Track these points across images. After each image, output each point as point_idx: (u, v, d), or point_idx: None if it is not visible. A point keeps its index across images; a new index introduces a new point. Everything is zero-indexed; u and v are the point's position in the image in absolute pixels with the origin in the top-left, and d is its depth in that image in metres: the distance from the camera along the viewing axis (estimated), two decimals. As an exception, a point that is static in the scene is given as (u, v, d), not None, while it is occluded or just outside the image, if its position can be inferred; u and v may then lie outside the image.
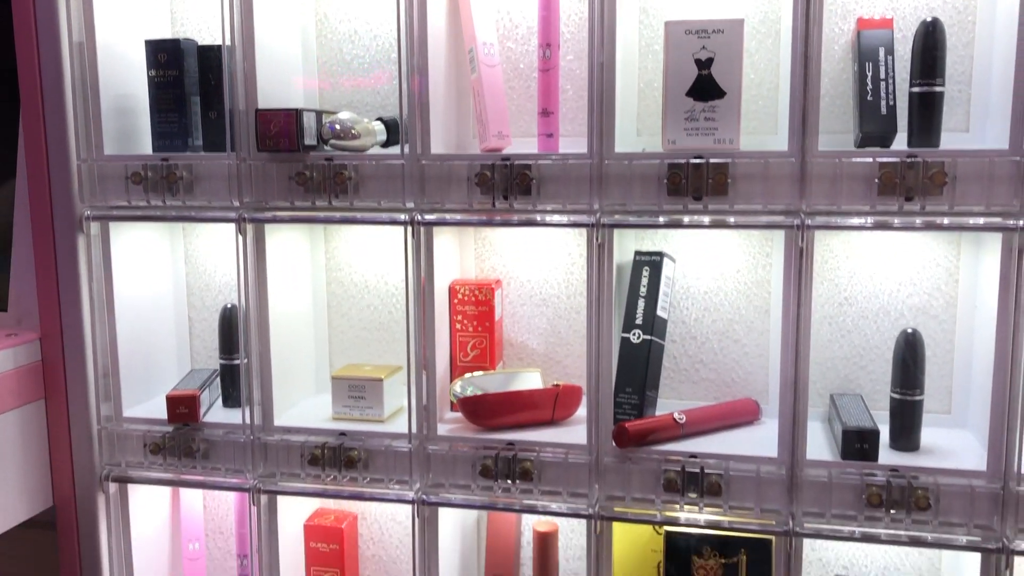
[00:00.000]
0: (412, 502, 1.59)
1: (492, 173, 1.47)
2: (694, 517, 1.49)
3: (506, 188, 1.47)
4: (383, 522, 1.90)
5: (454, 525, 1.75)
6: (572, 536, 1.81)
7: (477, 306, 1.69)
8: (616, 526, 1.65)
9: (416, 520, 1.59)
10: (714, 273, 1.69)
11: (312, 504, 1.86)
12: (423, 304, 1.57)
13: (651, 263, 1.62)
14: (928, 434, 1.51)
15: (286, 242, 1.72)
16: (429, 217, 1.52)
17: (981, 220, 1.33)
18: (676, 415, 1.55)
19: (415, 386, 1.59)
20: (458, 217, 1.51)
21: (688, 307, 1.70)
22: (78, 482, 1.72)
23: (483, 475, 1.55)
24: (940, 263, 1.59)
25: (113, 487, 1.72)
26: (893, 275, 1.61)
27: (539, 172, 1.46)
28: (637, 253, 1.63)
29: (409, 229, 1.52)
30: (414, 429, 1.58)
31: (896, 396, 1.49)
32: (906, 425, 1.49)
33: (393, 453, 1.59)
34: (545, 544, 1.70)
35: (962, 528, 1.39)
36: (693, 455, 1.49)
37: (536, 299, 1.77)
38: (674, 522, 1.51)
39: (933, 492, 1.39)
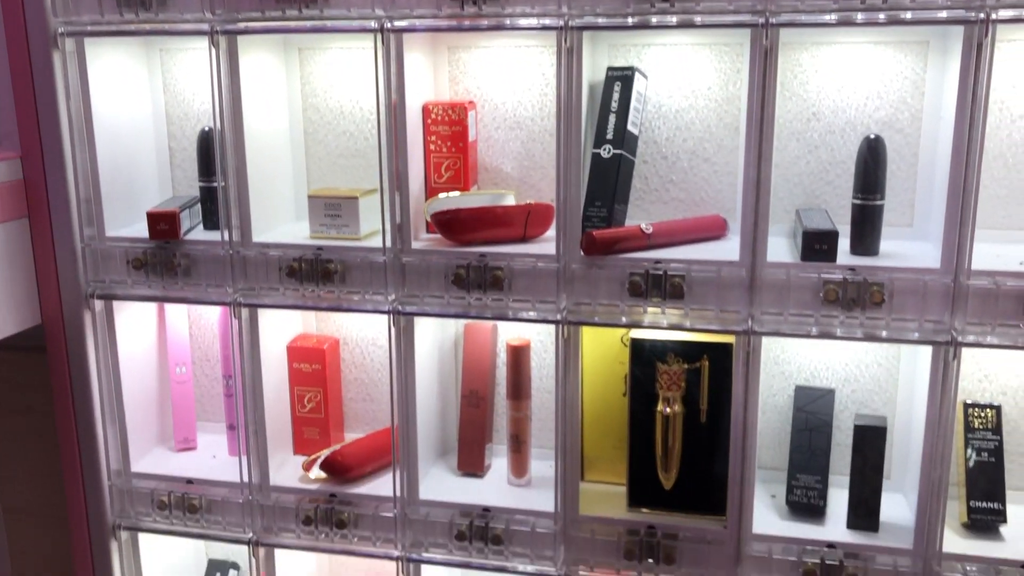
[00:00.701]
0: (388, 312, 1.64)
1: (461, -22, 1.47)
2: (657, 320, 1.55)
3: (475, -7, 1.48)
4: (364, 346, 1.96)
5: (431, 343, 1.81)
6: (545, 355, 1.87)
7: (451, 126, 1.71)
8: (585, 340, 1.72)
9: (392, 330, 1.65)
10: (686, 91, 1.70)
11: (294, 329, 1.92)
12: (395, 119, 1.58)
13: (622, 78, 1.63)
14: (888, 244, 1.56)
15: (261, 64, 1.72)
16: (400, 24, 1.53)
17: (944, 13, 1.34)
18: (643, 225, 1.59)
19: (388, 203, 1.62)
20: (428, 23, 1.52)
21: (660, 127, 1.72)
22: (64, 300, 1.77)
23: (456, 284, 1.60)
24: (907, 76, 1.60)
25: (99, 304, 1.78)
26: (860, 88, 1.63)
27: (508, -24, 1.46)
28: (609, 69, 1.64)
29: (379, 37, 1.53)
30: (389, 244, 1.63)
31: (857, 202, 1.52)
32: (866, 231, 1.53)
33: (369, 265, 1.64)
34: (518, 358, 1.77)
35: (914, 323, 1.45)
36: (658, 261, 1.53)
37: (510, 122, 1.78)
38: (638, 325, 1.57)
39: (887, 288, 1.44)
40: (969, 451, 1.60)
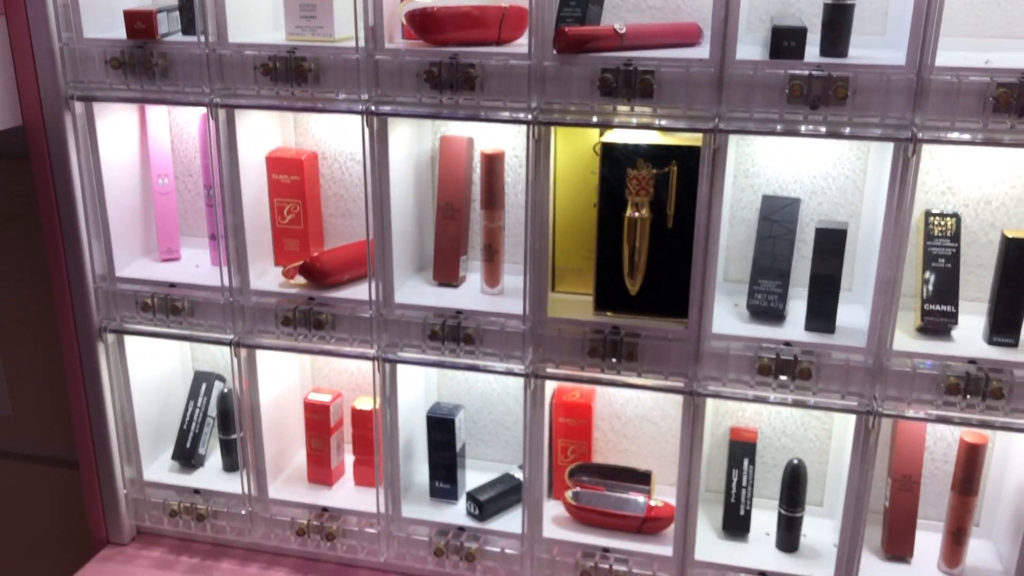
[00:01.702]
0: (362, 112, 1.66)
1: None
2: (627, 120, 1.57)
3: None
4: (343, 161, 1.99)
5: (407, 156, 1.83)
6: (520, 170, 1.90)
7: (427, -74, 1.69)
8: (559, 150, 1.74)
9: (366, 131, 1.67)
10: None
11: (273, 141, 1.94)
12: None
13: None
14: (859, 50, 1.56)
15: None
16: None
17: None
18: (617, 26, 1.59)
19: (362, 3, 1.62)
20: None
21: (637, -69, 1.71)
22: (44, 102, 1.78)
23: (428, 83, 1.61)
24: None
25: (79, 107, 1.79)
26: None
27: None
28: None
29: None
30: (362, 43, 1.63)
31: (828, 2, 1.52)
32: (836, 32, 1.53)
33: (343, 64, 1.65)
34: (491, 167, 1.79)
35: (876, 118, 1.47)
36: (628, 61, 1.54)
37: (488, -74, 1.77)
38: (608, 125, 1.59)
39: (852, 84, 1.45)
40: (927, 258, 1.65)
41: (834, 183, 1.76)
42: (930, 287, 1.64)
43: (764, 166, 1.79)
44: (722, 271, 1.86)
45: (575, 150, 1.75)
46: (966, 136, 1.45)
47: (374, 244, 1.75)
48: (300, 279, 1.87)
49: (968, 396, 1.55)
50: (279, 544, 2.00)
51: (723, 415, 1.95)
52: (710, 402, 1.88)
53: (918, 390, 1.58)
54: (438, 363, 1.79)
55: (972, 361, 1.56)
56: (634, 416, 2.01)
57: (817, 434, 1.92)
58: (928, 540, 1.81)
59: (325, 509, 1.97)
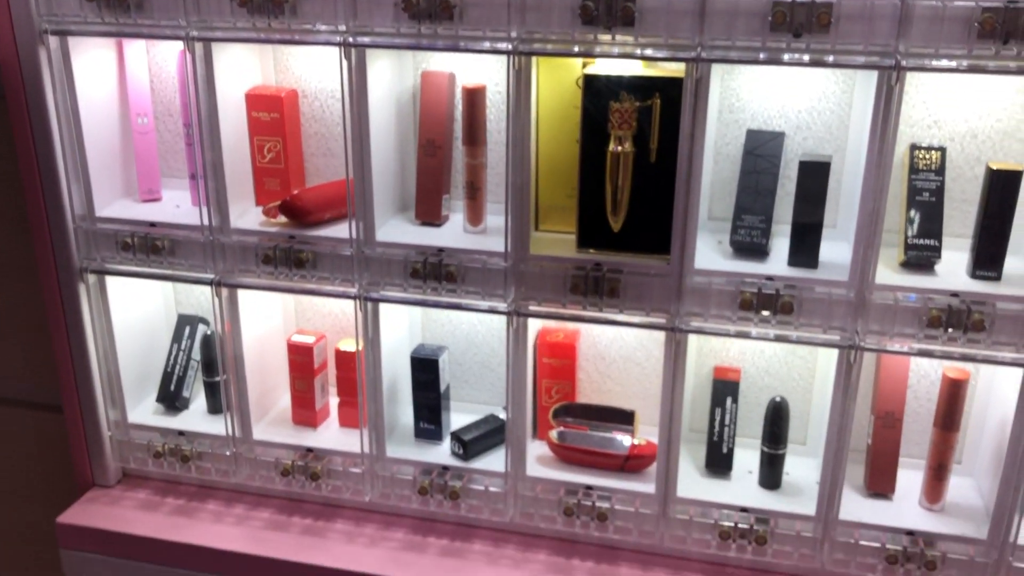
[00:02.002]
0: (340, 44, 1.63)
1: None
2: (608, 49, 1.55)
3: None
4: (323, 99, 1.96)
5: (388, 92, 1.81)
6: (503, 107, 1.87)
7: None
8: (541, 85, 1.72)
9: (344, 64, 1.65)
10: None
11: (253, 79, 1.91)
12: None
13: None
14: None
15: None
16: None
17: None
18: (598, -46, 1.57)
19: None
20: None
21: None
22: (18, 37, 1.74)
23: (407, 12, 1.58)
24: None
25: (54, 42, 1.76)
26: None
27: None
28: None
29: None
30: (341, -27, 1.60)
31: (814, -72, 1.50)
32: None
33: (320, -4, 1.63)
34: (473, 101, 1.77)
35: (859, 45, 1.45)
36: (610, -14, 1.52)
37: None
38: (589, 54, 1.57)
39: (835, 11, 1.42)
40: (911, 192, 1.64)
41: (820, 117, 1.74)
42: (914, 221, 1.63)
43: (749, 100, 1.76)
44: (707, 208, 1.85)
45: (558, 85, 1.73)
46: (951, 63, 1.43)
47: (354, 182, 1.74)
48: (281, 218, 1.85)
49: (950, 329, 1.55)
50: (264, 485, 2.00)
51: (707, 355, 1.95)
52: (694, 341, 1.89)
53: (900, 324, 1.57)
54: (420, 302, 1.78)
55: (955, 294, 1.56)
56: (618, 356, 2.01)
57: (801, 373, 1.91)
58: (910, 477, 1.82)
59: (310, 450, 1.97)
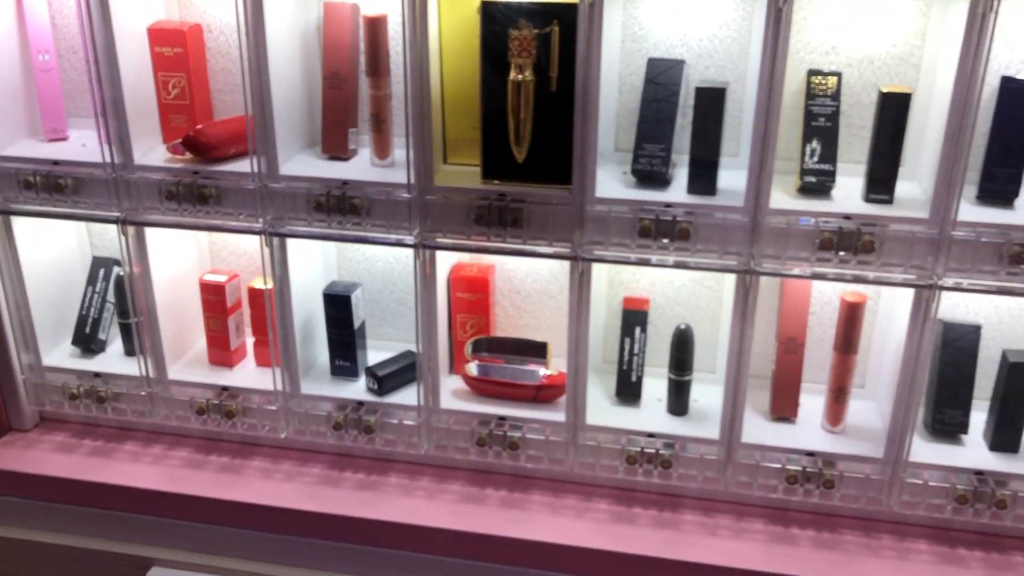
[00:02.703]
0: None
1: None
2: (501, -26, 1.54)
3: None
4: (229, 33, 1.93)
5: (292, 26, 1.78)
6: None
7: None
8: (443, 17, 1.70)
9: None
10: None
11: (155, 14, 1.87)
12: None
13: None
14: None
15: None
16: None
17: None
18: None
19: None
20: None
21: None
22: (-97, -31, 1.71)
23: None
24: None
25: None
26: None
27: None
28: None
29: None
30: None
31: None
32: None
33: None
34: (374, 30, 1.74)
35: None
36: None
37: None
38: (483, -20, 1.56)
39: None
40: (808, 118, 1.65)
41: (721, 45, 1.75)
42: (810, 147, 1.65)
43: (651, 29, 1.76)
44: (613, 140, 1.86)
45: (462, 15, 1.71)
46: (835, -15, 1.44)
47: (255, 117, 1.72)
48: (188, 155, 1.83)
49: (841, 252, 1.58)
50: (181, 424, 2.00)
51: (618, 286, 1.97)
52: (604, 273, 1.92)
53: (794, 248, 1.60)
54: (325, 235, 1.78)
55: (847, 217, 1.58)
56: (533, 290, 2.02)
57: (708, 302, 1.94)
58: (813, 401, 1.86)
59: (225, 388, 1.97)
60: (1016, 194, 1.61)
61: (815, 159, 1.65)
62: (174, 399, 1.98)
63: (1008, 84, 1.58)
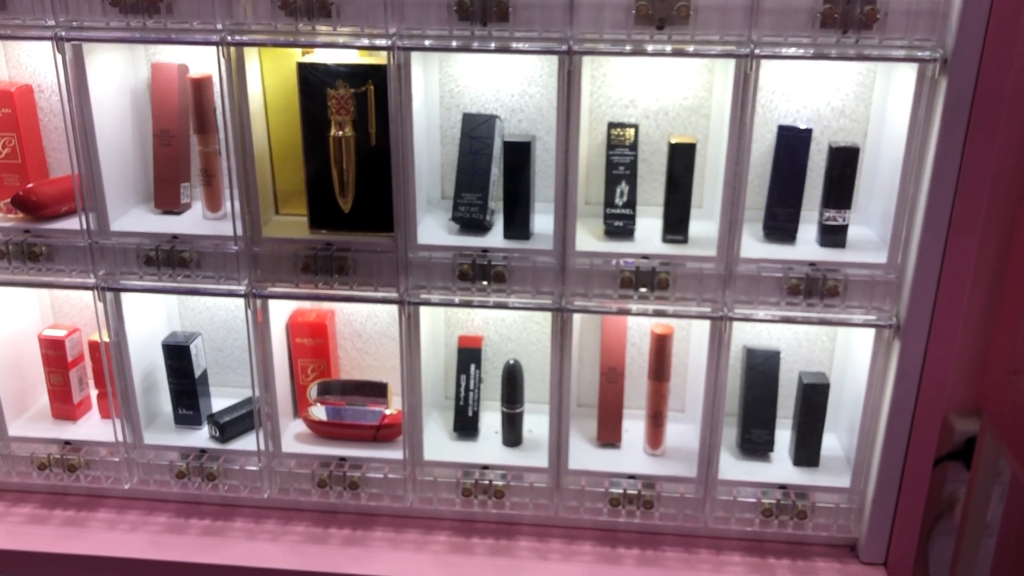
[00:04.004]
0: (52, 39, 1.65)
1: None
2: (310, 38, 1.63)
3: None
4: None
5: (122, 84, 1.83)
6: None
7: None
8: (266, 73, 1.78)
9: (58, 57, 1.66)
10: None
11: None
12: None
13: None
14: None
15: None
16: None
17: None
18: (300, -51, 1.64)
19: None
20: None
21: None
22: None
23: (114, 6, 1.61)
24: None
25: None
26: None
27: None
28: None
29: None
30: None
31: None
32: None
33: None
34: (199, 90, 1.81)
35: (535, 32, 1.58)
36: (310, -18, 1.60)
37: None
38: (292, 44, 1.65)
39: (512, 2, 1.55)
40: (609, 166, 1.78)
41: (531, 100, 1.88)
42: (612, 194, 1.78)
43: (466, 85, 1.88)
44: (440, 188, 1.96)
45: (285, 74, 1.79)
46: (615, 47, 1.57)
47: (83, 174, 1.76)
48: (20, 213, 1.85)
49: (642, 288, 1.71)
50: (24, 481, 2.00)
51: (454, 324, 2.06)
52: (441, 312, 2.01)
53: (599, 286, 1.73)
54: (156, 289, 1.82)
55: (645, 256, 1.72)
56: (374, 332, 2.10)
57: (538, 336, 2.06)
58: (637, 426, 1.99)
59: (67, 442, 1.98)
60: (796, 231, 1.77)
61: (617, 205, 1.78)
62: (15, 455, 1.97)
63: (784, 132, 1.75)
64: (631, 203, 1.78)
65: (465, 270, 1.74)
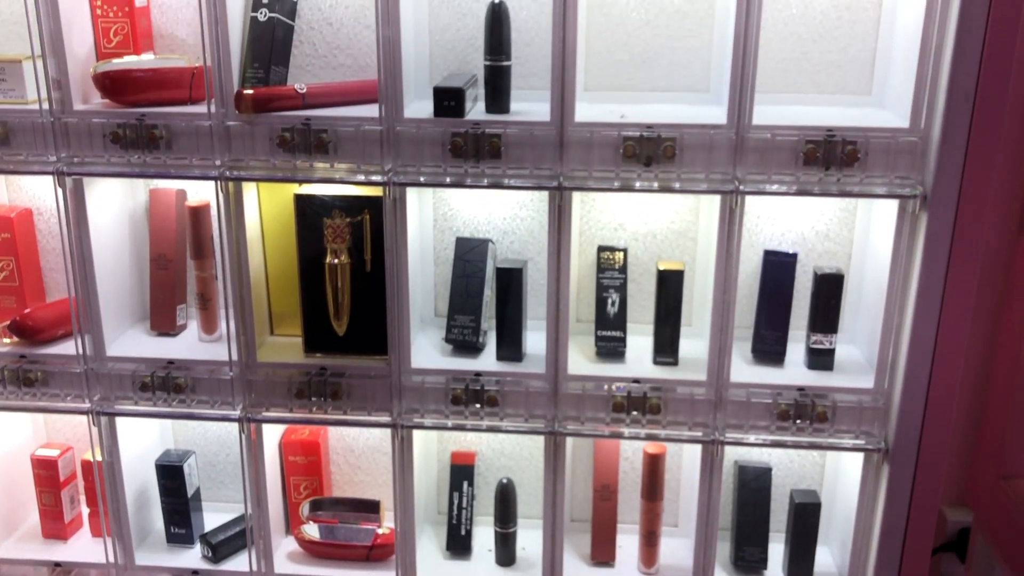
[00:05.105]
0: (52, 173, 1.69)
1: None
2: (307, 174, 1.67)
3: None
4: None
5: (120, 210, 1.87)
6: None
7: (115, -9, 1.74)
8: (263, 200, 1.82)
9: (59, 191, 1.70)
10: (344, -40, 1.79)
11: (-16, 199, 1.93)
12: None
13: (277, -55, 1.71)
14: (518, 105, 1.71)
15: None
16: None
17: None
18: (298, 86, 1.69)
19: (45, 66, 1.65)
20: None
21: (323, -6, 1.82)
22: None
23: (115, 143, 1.66)
24: (541, -52, 1.75)
25: None
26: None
27: None
28: (264, -64, 1.71)
29: None
30: (50, 106, 1.66)
31: (487, 63, 1.67)
32: (497, 90, 1.68)
33: (31, 127, 1.67)
34: (197, 218, 1.85)
35: (527, 170, 1.62)
36: (307, 118, 1.64)
37: (181, -13, 1.83)
38: (291, 179, 1.68)
39: (505, 140, 1.60)
40: (599, 289, 1.82)
41: (522, 224, 1.92)
42: (603, 315, 1.81)
43: (459, 210, 1.92)
44: (433, 306, 1.99)
45: (281, 202, 1.83)
46: (604, 184, 1.62)
47: (80, 300, 1.78)
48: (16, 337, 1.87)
49: (634, 412, 1.73)
50: (11, 604, 1.98)
51: (447, 440, 2.07)
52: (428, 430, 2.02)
53: (591, 409, 1.74)
54: (152, 414, 1.83)
55: (636, 380, 1.74)
56: (366, 448, 2.10)
57: (531, 452, 2.06)
58: (632, 543, 1.99)
59: (57, 564, 1.96)
60: (783, 354, 1.80)
61: (607, 327, 1.81)
62: (3, 579, 1.96)
63: (770, 256, 1.79)
64: (621, 325, 1.81)
65: (458, 394, 1.75)
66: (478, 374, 1.77)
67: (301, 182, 1.70)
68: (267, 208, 1.83)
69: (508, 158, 1.61)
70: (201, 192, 1.92)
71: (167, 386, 1.79)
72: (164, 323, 1.92)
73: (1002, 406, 1.69)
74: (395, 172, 1.64)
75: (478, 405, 1.76)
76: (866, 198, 1.69)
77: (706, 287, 1.82)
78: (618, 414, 1.73)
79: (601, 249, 1.83)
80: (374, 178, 1.64)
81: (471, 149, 1.61)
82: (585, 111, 1.64)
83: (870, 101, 1.76)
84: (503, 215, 1.91)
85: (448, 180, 1.64)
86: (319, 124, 1.62)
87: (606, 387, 1.73)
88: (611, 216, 1.89)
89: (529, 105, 1.73)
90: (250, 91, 1.63)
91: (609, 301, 1.81)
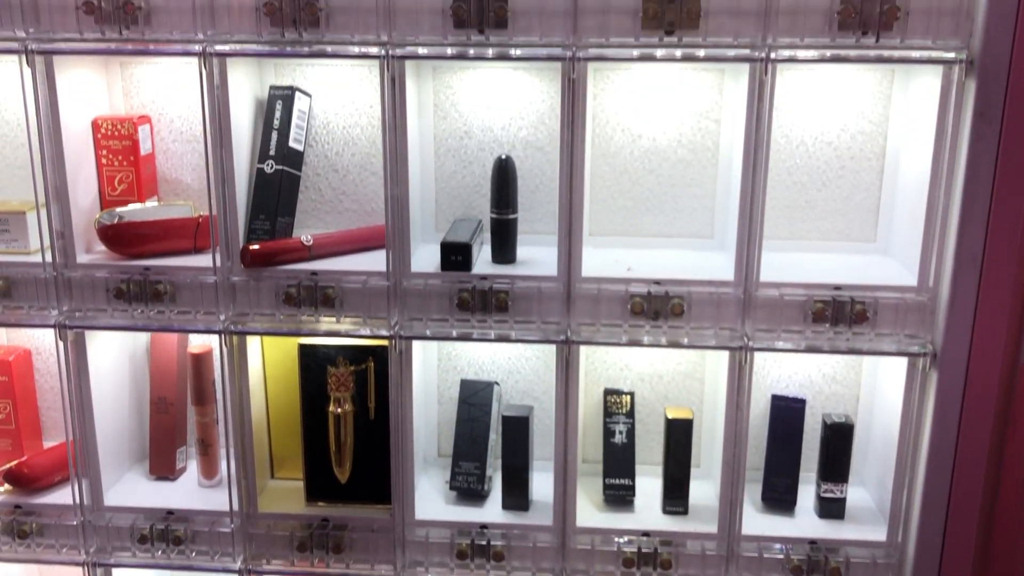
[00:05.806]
0: (54, 326, 1.67)
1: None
2: (312, 327, 1.65)
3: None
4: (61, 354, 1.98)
5: (121, 353, 1.85)
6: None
7: (121, 140, 1.74)
8: (266, 347, 1.81)
9: (60, 344, 1.68)
10: (350, 109, 1.80)
11: (-17, 340, 1.91)
12: (41, 134, 1.60)
13: (283, 97, 1.72)
14: (524, 250, 1.72)
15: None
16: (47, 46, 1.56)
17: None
18: (304, 238, 1.69)
19: (47, 217, 1.64)
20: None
21: (329, 142, 1.82)
22: None
23: (118, 298, 1.65)
24: (544, 99, 1.77)
25: None
26: (503, 111, 1.78)
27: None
28: (271, 87, 1.72)
29: (24, 58, 1.55)
30: (53, 259, 1.65)
31: (494, 216, 1.67)
32: (503, 241, 1.68)
33: (34, 280, 1.66)
34: (199, 365, 1.83)
35: (535, 323, 1.61)
36: (314, 272, 1.64)
37: (187, 135, 1.83)
38: (298, 333, 1.67)
39: (512, 294, 1.60)
40: (606, 434, 1.79)
41: (527, 363, 1.90)
42: (610, 461, 1.79)
43: (464, 350, 1.91)
44: (436, 447, 1.96)
45: (285, 347, 1.81)
46: (612, 338, 1.61)
47: (78, 446, 1.74)
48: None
49: (644, 567, 1.69)
50: None
51: (451, 582, 2.02)
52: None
53: (600, 562, 1.71)
54: (151, 565, 1.78)
55: (646, 534, 1.71)
56: (368, 588, 2.05)
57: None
58: None
59: None
60: (794, 502, 1.77)
61: (614, 474, 1.78)
62: None
63: (777, 401, 1.77)
64: (630, 471, 1.78)
65: (463, 549, 1.71)
66: (484, 526, 1.73)
67: (306, 335, 1.69)
68: (270, 355, 1.82)
69: (515, 311, 1.60)
70: (204, 337, 1.90)
71: (166, 538, 1.75)
72: (163, 467, 1.88)
73: (1007, 553, 1.66)
74: (401, 326, 1.63)
75: (481, 559, 1.72)
76: (876, 355, 1.68)
77: (715, 429, 1.80)
78: (628, 569, 1.69)
79: (608, 392, 1.81)
80: (380, 332, 1.63)
81: (478, 303, 1.60)
82: (591, 260, 1.63)
83: (875, 248, 1.77)
84: (508, 355, 1.90)
85: (454, 333, 1.63)
86: (325, 279, 1.62)
87: (615, 541, 1.70)
88: (617, 357, 1.88)
89: (535, 251, 1.73)
90: (256, 246, 1.63)
91: (617, 446, 1.79)
